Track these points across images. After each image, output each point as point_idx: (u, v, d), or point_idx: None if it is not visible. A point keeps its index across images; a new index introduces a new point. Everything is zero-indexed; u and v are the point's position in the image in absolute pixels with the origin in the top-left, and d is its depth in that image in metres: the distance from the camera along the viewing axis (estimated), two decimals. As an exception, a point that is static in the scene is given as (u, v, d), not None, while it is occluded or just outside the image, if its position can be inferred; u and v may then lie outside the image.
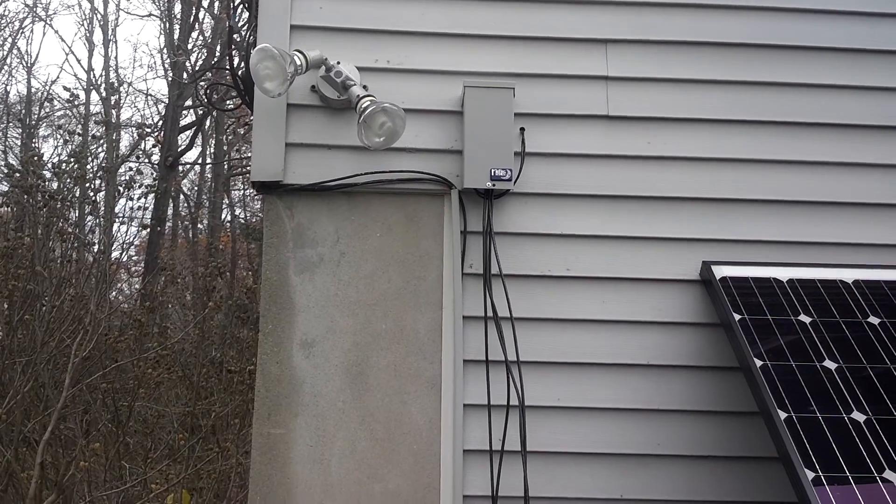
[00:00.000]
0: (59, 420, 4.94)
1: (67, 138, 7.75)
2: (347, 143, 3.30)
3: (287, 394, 3.17)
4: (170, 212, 17.94)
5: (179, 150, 16.85)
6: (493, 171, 3.21)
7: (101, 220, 6.98)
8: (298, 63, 3.11)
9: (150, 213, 12.06)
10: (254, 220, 18.12)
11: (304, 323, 3.23)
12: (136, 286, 13.30)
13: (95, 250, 6.91)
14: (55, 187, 6.57)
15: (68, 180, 6.46)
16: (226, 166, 18.28)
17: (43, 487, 4.74)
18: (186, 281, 12.24)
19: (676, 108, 3.43)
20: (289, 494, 3.09)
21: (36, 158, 6.86)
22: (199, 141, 18.45)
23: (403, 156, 3.31)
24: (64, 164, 6.49)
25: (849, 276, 3.21)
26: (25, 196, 6.11)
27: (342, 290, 3.26)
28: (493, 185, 3.21)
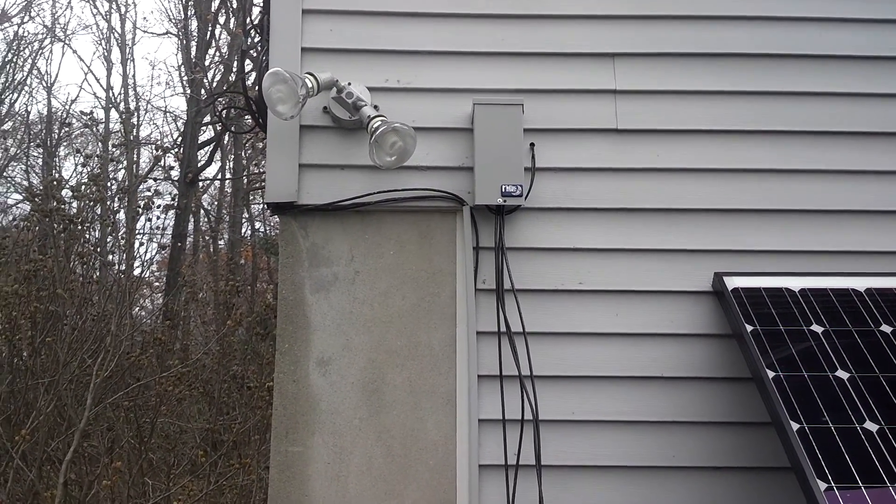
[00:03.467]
0: (81, 439, 5.00)
1: (86, 161, 7.86)
2: (360, 162, 3.34)
3: (304, 412, 3.21)
4: (190, 227, 18.09)
5: (199, 165, 17.00)
6: (503, 187, 3.24)
7: (122, 239, 7.08)
8: (310, 85, 3.16)
9: (169, 231, 12.15)
10: (273, 234, 18.23)
11: (319, 341, 3.27)
12: (159, 302, 13.41)
13: (116, 270, 7.00)
14: (75, 208, 6.67)
15: (88, 202, 6.55)
16: (245, 181, 18.42)
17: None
18: (207, 297, 12.33)
19: (685, 119, 3.45)
20: (307, 511, 3.13)
21: (55, 182, 6.96)
22: (218, 156, 18.62)
23: (415, 174, 3.35)
24: (83, 188, 6.58)
25: (861, 284, 3.22)
26: (46, 219, 6.20)
27: (357, 308, 3.30)
28: (504, 200, 3.24)
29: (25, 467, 4.78)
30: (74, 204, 6.72)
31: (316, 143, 3.38)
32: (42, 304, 5.51)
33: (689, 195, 3.40)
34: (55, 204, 6.16)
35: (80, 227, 6.22)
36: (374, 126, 3.14)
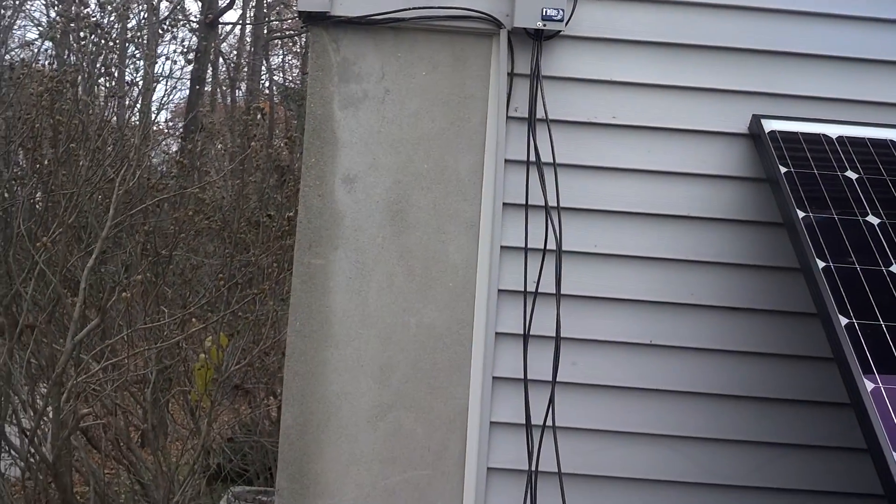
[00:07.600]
0: (102, 251, 5.04)
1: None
2: (397, -25, 3.23)
3: (328, 226, 3.21)
4: (209, 75, 17.88)
5: (220, 7, 16.65)
6: (544, 10, 3.13)
7: (145, 53, 6.96)
8: None
9: (192, 47, 11.92)
10: (294, 85, 18.04)
11: (346, 158, 3.24)
12: (175, 147, 13.39)
13: (138, 91, 6.92)
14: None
15: (113, 14, 6.40)
16: (265, 30, 18.08)
17: (84, 313, 4.88)
18: (224, 146, 12.25)
19: (738, -45, 3.31)
20: (327, 321, 3.18)
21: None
22: (239, 2, 18.22)
23: (453, -8, 3.24)
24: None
25: (901, 135, 3.15)
26: (71, 25, 6.05)
27: (385, 127, 3.25)
28: (545, 24, 3.14)
29: (49, 273, 4.84)
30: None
31: (352, -48, 3.25)
32: (65, 116, 5.47)
33: (734, 34, 3.27)
34: (82, 8, 6.02)
35: (107, 35, 6.08)
36: (416, -64, 3.01)
